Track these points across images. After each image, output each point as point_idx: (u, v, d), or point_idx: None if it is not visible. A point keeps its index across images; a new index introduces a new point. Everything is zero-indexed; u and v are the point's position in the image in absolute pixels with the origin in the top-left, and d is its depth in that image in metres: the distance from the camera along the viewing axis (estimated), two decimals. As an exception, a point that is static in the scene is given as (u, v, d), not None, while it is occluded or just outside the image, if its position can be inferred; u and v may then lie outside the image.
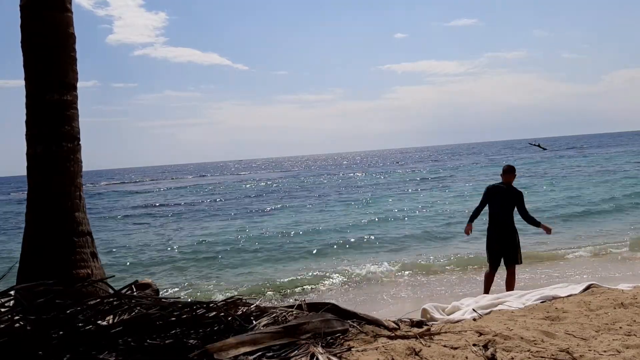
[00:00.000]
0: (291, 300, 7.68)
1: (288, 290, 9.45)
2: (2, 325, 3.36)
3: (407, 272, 9.91)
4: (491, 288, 6.97)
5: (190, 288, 10.09)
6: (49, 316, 3.45)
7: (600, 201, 18.57)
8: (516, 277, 7.06)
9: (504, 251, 6.82)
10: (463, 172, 41.49)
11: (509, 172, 6.77)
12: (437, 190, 27.42)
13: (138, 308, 3.89)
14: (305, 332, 3.99)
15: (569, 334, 4.37)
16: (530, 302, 6.05)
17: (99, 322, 3.68)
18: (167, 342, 3.62)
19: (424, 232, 14.63)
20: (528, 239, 10.77)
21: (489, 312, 5.68)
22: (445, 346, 4.07)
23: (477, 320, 5.30)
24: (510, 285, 6.90)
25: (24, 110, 5.12)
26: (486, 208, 6.91)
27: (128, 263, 13.10)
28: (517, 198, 6.74)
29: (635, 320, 4.72)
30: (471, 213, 7.01)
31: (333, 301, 5.21)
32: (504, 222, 6.72)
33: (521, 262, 7.05)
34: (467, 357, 3.80)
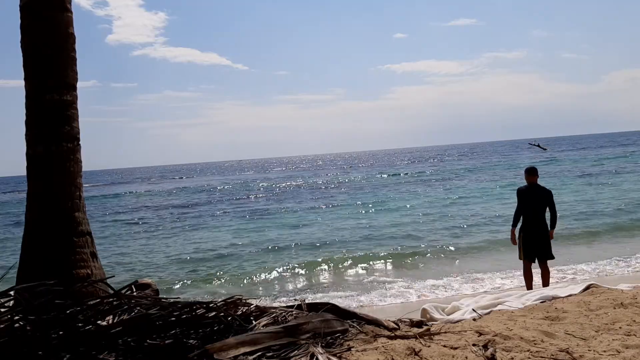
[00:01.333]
0: (291, 300, 7.67)
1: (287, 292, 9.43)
2: (2, 325, 3.36)
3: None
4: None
5: (190, 288, 10.09)
6: (49, 316, 3.45)
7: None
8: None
9: (538, 249, 7.03)
10: (473, 172, 40.27)
11: (532, 173, 7.03)
12: (446, 192, 26.85)
13: (138, 308, 3.89)
14: (305, 332, 3.99)
15: (568, 334, 4.37)
16: (530, 302, 6.06)
17: (99, 322, 3.68)
18: (167, 342, 3.62)
19: (437, 243, 13.35)
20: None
21: (489, 312, 5.69)
22: (445, 346, 4.07)
23: (477, 320, 5.30)
24: (547, 280, 7.08)
25: (24, 110, 5.12)
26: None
27: (127, 265, 13.10)
28: (548, 197, 6.97)
29: (635, 320, 4.72)
30: (513, 218, 7.26)
31: (333, 301, 5.21)
32: (538, 221, 6.96)
33: (554, 257, 7.22)
34: (466, 357, 3.80)
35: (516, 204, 7.22)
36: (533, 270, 7.29)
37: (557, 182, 26.21)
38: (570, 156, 54.18)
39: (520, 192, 7.11)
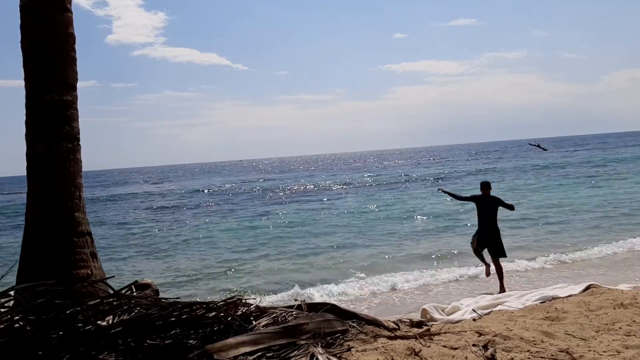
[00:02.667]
0: (291, 301, 7.66)
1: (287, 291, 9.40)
2: (2, 325, 3.36)
3: None
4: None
5: (190, 289, 10.09)
6: (49, 316, 3.45)
7: None
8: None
9: (491, 247, 8.38)
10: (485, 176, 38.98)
11: (486, 187, 8.55)
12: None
13: (138, 308, 3.89)
14: (305, 332, 3.99)
15: (568, 334, 4.37)
16: (530, 302, 6.06)
17: (99, 322, 3.68)
18: (167, 342, 3.62)
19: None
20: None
21: (489, 313, 5.69)
22: (445, 346, 4.07)
23: (476, 320, 5.31)
24: (501, 275, 8.23)
25: (24, 110, 5.12)
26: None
27: (128, 267, 13.10)
28: (498, 203, 8.46)
29: (635, 321, 4.72)
30: (455, 192, 9.05)
31: (333, 301, 5.21)
32: (490, 224, 8.39)
33: (506, 256, 8.55)
34: (466, 358, 3.80)
35: (468, 196, 8.85)
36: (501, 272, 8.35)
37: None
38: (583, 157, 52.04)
39: (479, 201, 8.58)
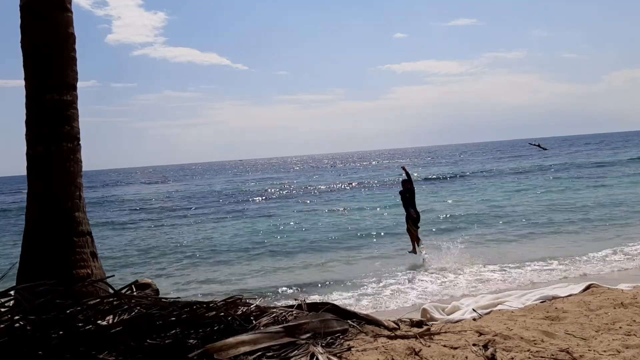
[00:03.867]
0: (291, 300, 7.66)
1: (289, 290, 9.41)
2: (2, 325, 3.36)
3: None
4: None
5: (190, 289, 10.09)
6: (49, 316, 3.45)
7: None
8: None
9: (416, 222, 11.41)
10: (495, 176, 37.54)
11: (406, 182, 11.50)
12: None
13: (138, 308, 3.89)
14: (305, 332, 3.99)
15: (569, 334, 4.37)
16: (530, 302, 6.06)
17: (99, 322, 3.68)
18: (167, 342, 3.62)
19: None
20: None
21: (489, 312, 5.69)
22: (445, 346, 4.07)
23: (477, 320, 5.31)
24: (417, 238, 11.39)
25: (24, 110, 5.12)
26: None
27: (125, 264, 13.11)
28: (413, 194, 11.54)
29: (635, 320, 4.72)
30: (406, 207, 11.61)
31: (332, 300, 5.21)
32: (414, 208, 11.42)
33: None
34: (467, 357, 3.80)
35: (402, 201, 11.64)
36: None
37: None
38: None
39: (401, 193, 11.66)
